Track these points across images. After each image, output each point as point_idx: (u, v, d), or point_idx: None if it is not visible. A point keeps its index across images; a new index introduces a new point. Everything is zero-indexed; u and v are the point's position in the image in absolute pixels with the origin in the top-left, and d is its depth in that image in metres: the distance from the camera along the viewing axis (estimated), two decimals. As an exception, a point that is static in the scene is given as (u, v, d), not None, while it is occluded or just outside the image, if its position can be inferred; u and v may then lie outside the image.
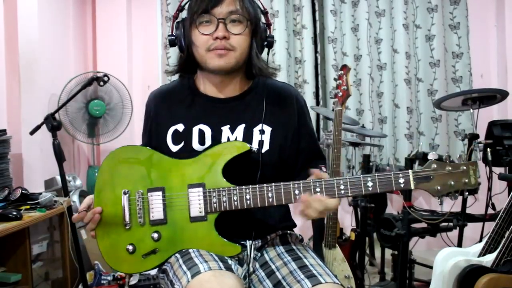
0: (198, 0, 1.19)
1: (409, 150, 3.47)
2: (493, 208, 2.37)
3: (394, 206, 3.60)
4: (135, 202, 1.19)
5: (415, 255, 2.66)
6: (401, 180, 1.03)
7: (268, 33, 1.28)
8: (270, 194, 1.12)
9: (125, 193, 1.20)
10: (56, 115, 2.20)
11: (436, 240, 2.76)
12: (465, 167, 1.00)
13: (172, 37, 1.26)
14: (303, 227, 3.50)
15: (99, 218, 1.19)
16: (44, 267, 2.44)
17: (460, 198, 2.33)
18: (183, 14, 1.27)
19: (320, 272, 1.13)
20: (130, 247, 1.19)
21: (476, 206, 2.50)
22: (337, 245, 2.28)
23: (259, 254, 1.28)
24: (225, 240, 1.16)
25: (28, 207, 2.12)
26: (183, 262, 1.16)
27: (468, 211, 2.32)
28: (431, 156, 1.04)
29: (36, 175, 2.66)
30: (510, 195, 1.74)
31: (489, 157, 2.29)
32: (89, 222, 1.20)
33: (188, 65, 1.28)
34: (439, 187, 1.01)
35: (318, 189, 1.09)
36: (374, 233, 3.00)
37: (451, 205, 2.39)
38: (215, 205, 1.15)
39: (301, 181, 1.11)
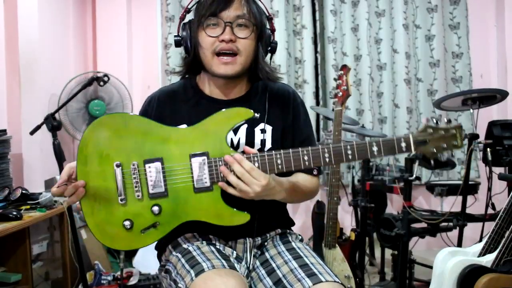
0: (206, 3, 1.20)
1: (409, 150, 3.47)
2: (493, 208, 2.37)
3: (394, 206, 3.60)
4: (130, 175, 1.13)
5: (415, 255, 2.66)
6: (403, 144, 1.09)
7: (272, 38, 1.30)
8: (279, 161, 1.10)
9: (117, 166, 1.13)
10: (56, 115, 2.21)
11: (436, 240, 2.76)
12: (454, 131, 1.11)
13: (178, 38, 1.27)
14: (303, 227, 3.51)
15: (83, 192, 1.12)
16: (44, 267, 2.44)
17: (459, 198, 2.33)
18: (189, 16, 1.29)
19: (320, 271, 1.13)
20: (127, 223, 1.12)
21: (476, 206, 2.50)
22: (337, 245, 2.28)
23: (259, 252, 1.29)
24: (234, 209, 1.12)
25: (28, 207, 2.11)
26: (185, 261, 1.17)
27: (468, 211, 2.32)
28: (424, 121, 1.13)
29: (36, 175, 2.66)
30: (510, 195, 1.74)
31: (489, 157, 2.29)
32: (71, 196, 1.12)
33: (193, 66, 1.29)
34: (434, 150, 1.11)
35: (326, 155, 1.09)
36: (374, 233, 3.00)
37: (451, 205, 2.39)
38: (221, 174, 1.11)
39: (310, 148, 1.10)
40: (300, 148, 1.10)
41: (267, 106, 1.28)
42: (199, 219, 1.14)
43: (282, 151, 1.10)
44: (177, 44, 1.28)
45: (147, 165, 1.13)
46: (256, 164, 1.09)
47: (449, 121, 1.12)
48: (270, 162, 1.10)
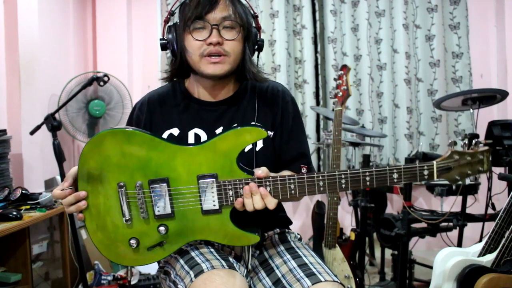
0: (191, 6, 1.18)
1: (409, 150, 3.47)
2: (493, 208, 2.37)
3: (394, 206, 3.60)
4: (135, 196, 1.10)
5: (415, 255, 2.66)
6: (426, 172, 1.04)
7: (258, 36, 1.28)
8: (292, 186, 1.06)
9: (120, 187, 1.09)
10: (56, 115, 2.21)
11: (436, 240, 2.76)
12: (481, 156, 1.06)
13: (164, 41, 1.25)
14: (303, 227, 3.52)
15: (85, 205, 1.09)
16: (44, 267, 2.44)
17: (459, 198, 2.33)
18: (175, 18, 1.26)
19: (319, 271, 1.13)
20: (133, 241, 1.10)
21: (476, 206, 2.50)
22: (337, 245, 2.28)
23: (258, 252, 1.29)
24: (243, 230, 1.10)
25: (28, 207, 2.12)
26: (184, 262, 1.16)
27: (468, 211, 2.32)
28: (450, 146, 1.09)
29: (36, 175, 2.66)
30: (510, 195, 1.74)
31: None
32: (71, 205, 1.10)
33: (181, 70, 1.28)
34: (457, 177, 1.06)
35: (343, 181, 1.05)
36: (374, 233, 3.00)
37: (451, 205, 2.39)
38: (231, 198, 1.08)
39: (326, 172, 1.05)
40: (315, 173, 1.06)
41: (256, 105, 1.27)
42: (206, 239, 1.12)
43: (296, 176, 1.06)
44: (163, 47, 1.25)
45: (152, 186, 1.09)
46: (268, 189, 1.06)
47: (476, 143, 1.07)
48: (282, 187, 1.07)
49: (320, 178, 1.06)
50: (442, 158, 1.06)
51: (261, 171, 1.07)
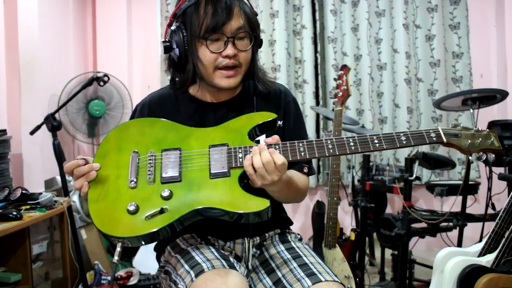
0: (206, 15, 1.14)
1: (409, 150, 3.47)
2: (493, 208, 2.37)
3: (394, 206, 3.60)
4: (145, 160, 1.11)
5: (415, 255, 2.66)
6: (433, 135, 1.08)
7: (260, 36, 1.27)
8: (302, 149, 1.08)
9: (134, 152, 1.13)
10: (56, 115, 2.21)
11: (436, 240, 2.77)
12: (486, 132, 1.09)
13: (168, 44, 1.21)
14: (303, 227, 3.52)
15: (94, 176, 1.09)
16: (44, 267, 2.44)
17: (459, 198, 2.33)
18: (178, 20, 1.22)
19: (320, 271, 1.13)
20: (132, 207, 1.05)
21: (476, 206, 2.51)
22: (337, 245, 2.28)
23: (258, 252, 1.29)
24: (251, 194, 1.06)
25: (28, 207, 2.11)
26: (185, 262, 1.16)
27: (468, 211, 2.32)
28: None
29: (36, 175, 2.66)
30: (510, 195, 1.74)
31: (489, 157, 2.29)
32: (81, 177, 1.08)
33: (193, 77, 1.25)
34: (468, 142, 1.09)
35: (352, 143, 1.08)
36: (374, 233, 3.00)
37: (451, 205, 2.39)
38: (240, 159, 1.08)
39: (333, 137, 1.09)
40: (324, 138, 1.10)
41: (255, 105, 1.27)
42: (211, 205, 1.04)
43: (304, 140, 1.09)
44: (167, 50, 1.22)
45: (164, 152, 1.12)
46: (278, 152, 1.07)
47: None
48: (292, 149, 1.08)
49: (329, 142, 1.08)
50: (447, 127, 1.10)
51: (271, 139, 1.10)
